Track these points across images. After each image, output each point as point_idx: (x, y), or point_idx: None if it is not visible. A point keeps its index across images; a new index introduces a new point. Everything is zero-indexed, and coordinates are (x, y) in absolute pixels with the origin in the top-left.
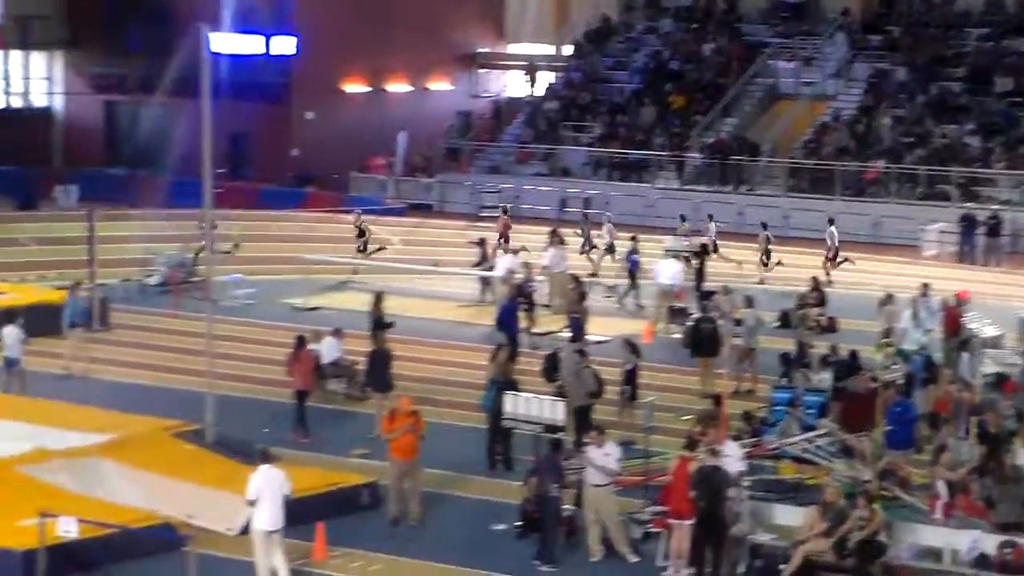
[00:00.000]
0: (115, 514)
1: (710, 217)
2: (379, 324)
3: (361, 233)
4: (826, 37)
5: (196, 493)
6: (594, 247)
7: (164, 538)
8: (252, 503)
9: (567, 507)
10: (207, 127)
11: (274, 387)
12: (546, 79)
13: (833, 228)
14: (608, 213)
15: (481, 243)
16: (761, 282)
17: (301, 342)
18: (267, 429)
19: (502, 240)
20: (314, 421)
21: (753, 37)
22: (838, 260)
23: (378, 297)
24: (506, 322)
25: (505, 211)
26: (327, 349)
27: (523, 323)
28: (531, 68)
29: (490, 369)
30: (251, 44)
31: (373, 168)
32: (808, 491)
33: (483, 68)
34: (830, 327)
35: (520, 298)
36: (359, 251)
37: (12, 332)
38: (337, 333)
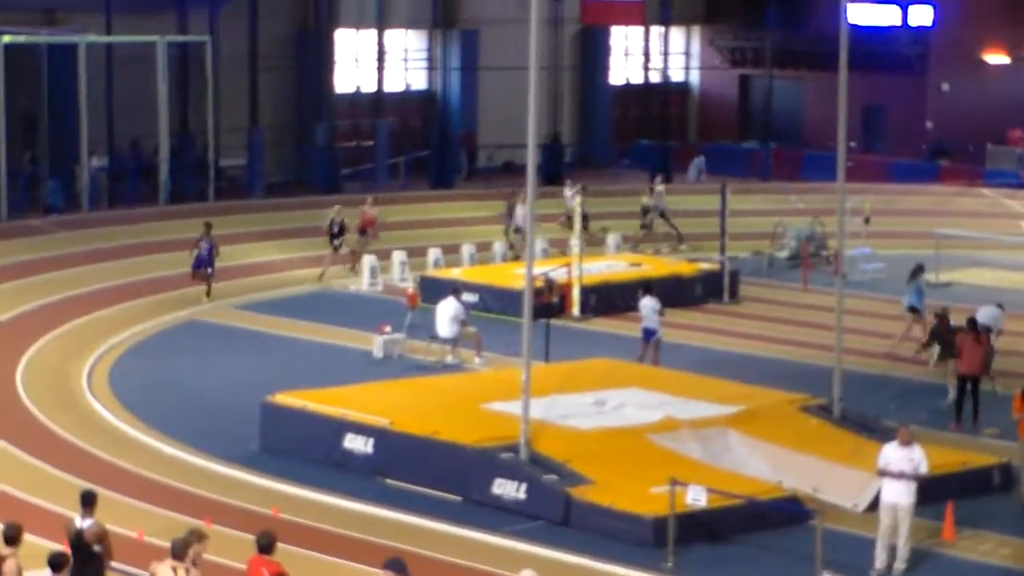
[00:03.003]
0: (741, 485)
1: None
2: None
3: None
4: None
5: (821, 467)
6: None
7: (790, 511)
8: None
9: None
10: (843, 100)
11: (899, 363)
12: None
13: None
14: None
15: None
16: None
17: (973, 324)
18: (893, 405)
19: None
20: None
21: None
22: None
23: None
24: None
25: None
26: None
27: None
28: None
29: None
30: (887, 15)
31: (1011, 141)
32: None
33: None
34: None
35: None
36: None
37: (649, 304)
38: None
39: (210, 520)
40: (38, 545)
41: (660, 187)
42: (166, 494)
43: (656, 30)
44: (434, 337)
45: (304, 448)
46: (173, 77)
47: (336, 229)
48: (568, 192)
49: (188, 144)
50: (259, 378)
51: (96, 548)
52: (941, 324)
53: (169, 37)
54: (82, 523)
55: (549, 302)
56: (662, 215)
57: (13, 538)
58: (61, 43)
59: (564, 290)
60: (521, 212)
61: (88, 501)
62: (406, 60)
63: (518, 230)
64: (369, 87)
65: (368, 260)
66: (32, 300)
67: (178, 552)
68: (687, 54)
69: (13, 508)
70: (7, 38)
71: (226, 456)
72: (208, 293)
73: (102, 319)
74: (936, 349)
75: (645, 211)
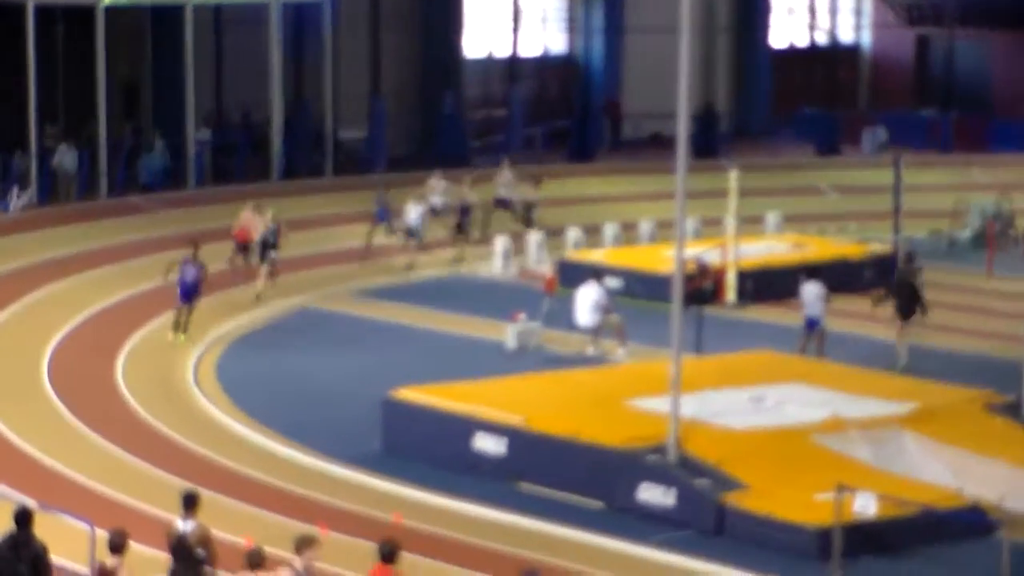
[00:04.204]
0: (917, 492)
1: None
2: None
3: None
4: None
5: (1008, 473)
6: None
7: (972, 521)
8: None
9: None
10: None
11: None
12: None
13: None
14: None
15: None
16: None
17: None
18: None
19: None
20: None
21: None
22: None
23: None
24: None
25: None
26: None
27: None
28: None
29: None
30: None
31: None
32: None
33: None
34: None
35: None
36: None
37: (812, 290)
38: None
39: (326, 526)
40: (140, 552)
41: (507, 172)
42: (278, 497)
43: None
44: (573, 326)
45: (430, 448)
46: (287, 41)
47: (272, 238)
48: (434, 182)
49: (303, 114)
50: (380, 372)
51: (199, 552)
52: None
53: None
54: (184, 526)
55: (701, 288)
56: (506, 207)
57: (119, 546)
58: (166, 5)
59: (718, 275)
60: (414, 210)
61: (190, 503)
62: (544, 21)
63: (411, 233)
64: (502, 51)
65: (501, 241)
66: (133, 286)
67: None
68: (858, 12)
69: (114, 512)
70: (107, 0)
71: (345, 457)
72: (184, 330)
73: (208, 307)
74: None
75: (500, 204)
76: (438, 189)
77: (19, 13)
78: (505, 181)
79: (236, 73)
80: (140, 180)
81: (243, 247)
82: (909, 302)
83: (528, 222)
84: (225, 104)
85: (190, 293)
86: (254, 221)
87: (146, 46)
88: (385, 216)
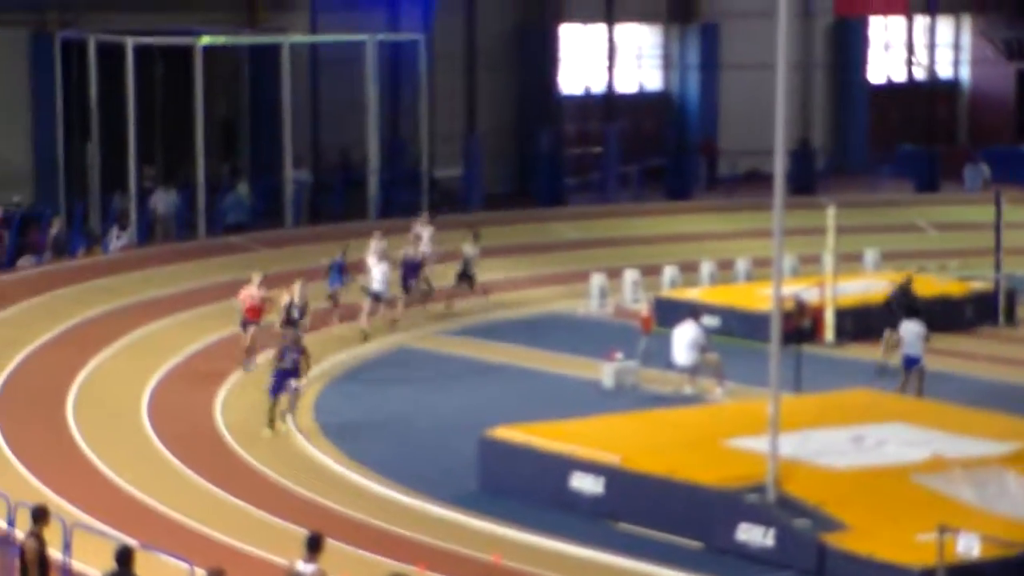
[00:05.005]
0: (1021, 533)
1: None
2: None
3: None
4: None
5: None
6: None
7: None
8: None
9: None
10: None
11: None
12: None
13: None
14: None
15: None
16: None
17: None
18: None
19: None
20: None
21: None
22: None
23: None
24: None
25: None
26: None
27: None
28: None
29: None
30: None
31: None
32: None
33: None
34: None
35: None
36: None
37: (913, 328)
38: None
39: (425, 566)
40: None
41: (424, 230)
42: (376, 537)
43: (921, 21)
44: (671, 365)
45: (527, 488)
46: (383, 79)
47: (298, 313)
48: (419, 228)
49: (399, 153)
50: (477, 411)
51: None
52: None
53: (379, 36)
54: (304, 568)
55: (800, 326)
56: (416, 270)
57: None
58: (263, 44)
59: (816, 313)
60: (376, 268)
61: (314, 545)
62: (639, 58)
63: (377, 298)
64: (598, 88)
65: (597, 280)
66: (231, 325)
67: None
68: (956, 47)
69: (212, 551)
70: (206, 39)
71: (442, 496)
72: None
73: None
74: None
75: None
76: (424, 237)
77: (119, 53)
78: (420, 237)
79: (332, 112)
80: (226, 220)
81: (252, 319)
82: None
83: (466, 280)
84: (321, 143)
85: (285, 380)
86: (258, 295)
87: (243, 85)
88: (339, 275)
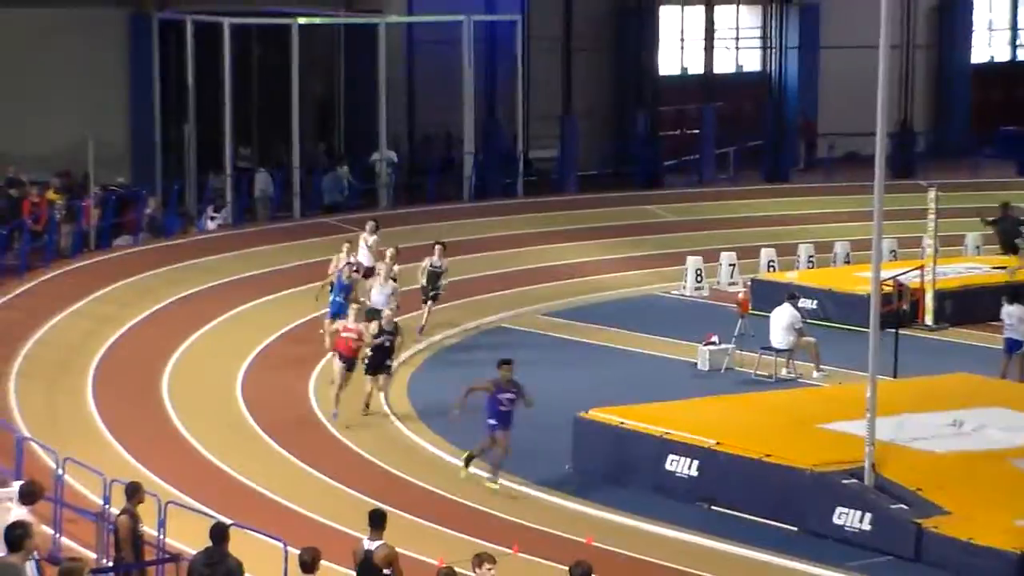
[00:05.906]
0: None
1: None
2: None
3: None
4: None
5: None
6: None
7: None
8: None
9: None
10: None
11: None
12: None
13: None
14: None
15: None
16: None
17: None
18: None
19: None
20: None
21: None
22: None
23: None
24: None
25: None
26: None
27: None
28: None
29: None
30: None
31: None
32: None
33: None
34: None
35: None
36: None
37: (1015, 312)
38: None
39: (518, 547)
40: (332, 571)
41: (372, 239)
42: (468, 517)
43: None
44: (767, 348)
45: (621, 469)
46: (479, 61)
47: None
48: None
49: (495, 134)
50: (571, 392)
51: (386, 572)
52: None
53: (476, 16)
54: (370, 545)
55: (898, 309)
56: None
57: (309, 565)
58: (359, 24)
59: (916, 296)
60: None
61: (377, 521)
62: (737, 39)
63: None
64: (695, 69)
65: (693, 262)
66: (325, 305)
67: None
68: None
69: (307, 530)
70: (302, 19)
71: (534, 477)
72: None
73: (400, 325)
74: None
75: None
76: (367, 244)
77: (216, 34)
78: (369, 246)
79: (428, 93)
80: (324, 201)
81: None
82: None
83: (431, 294)
84: (417, 124)
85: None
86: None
87: (339, 66)
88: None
